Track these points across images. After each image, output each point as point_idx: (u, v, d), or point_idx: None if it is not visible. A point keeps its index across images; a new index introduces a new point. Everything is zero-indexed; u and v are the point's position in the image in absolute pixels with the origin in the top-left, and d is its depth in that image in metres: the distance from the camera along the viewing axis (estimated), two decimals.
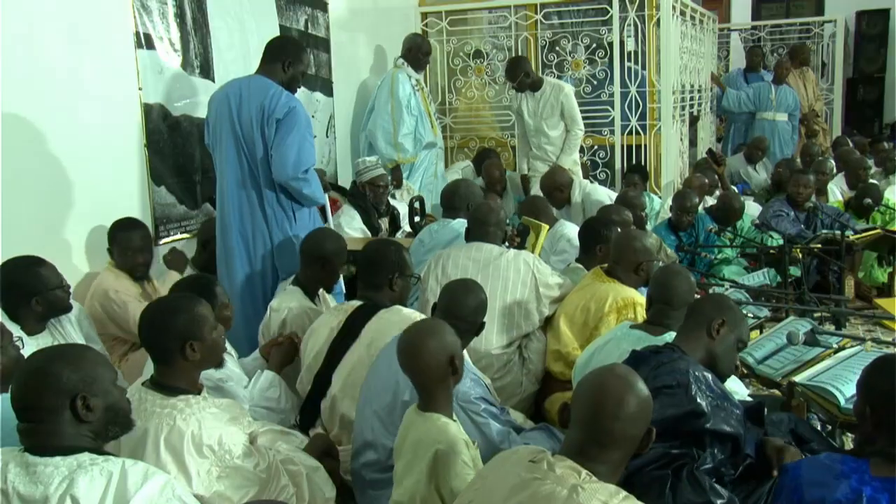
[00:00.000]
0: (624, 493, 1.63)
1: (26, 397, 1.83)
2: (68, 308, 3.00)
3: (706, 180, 5.95)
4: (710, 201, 5.73)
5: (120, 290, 3.40)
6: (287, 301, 3.34)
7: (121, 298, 3.37)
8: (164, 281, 3.63)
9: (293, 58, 3.65)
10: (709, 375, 2.27)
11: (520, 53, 6.46)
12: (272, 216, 3.62)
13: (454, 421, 2.17)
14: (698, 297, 2.84)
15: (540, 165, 5.90)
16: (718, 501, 2.02)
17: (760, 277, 4.51)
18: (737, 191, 6.45)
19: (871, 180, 6.36)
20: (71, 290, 3.04)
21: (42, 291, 2.84)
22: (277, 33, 4.84)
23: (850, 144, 7.58)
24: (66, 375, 1.82)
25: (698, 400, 2.17)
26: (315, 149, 3.70)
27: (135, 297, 3.41)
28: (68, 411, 1.81)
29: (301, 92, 4.82)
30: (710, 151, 6.99)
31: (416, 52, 5.81)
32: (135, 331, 3.26)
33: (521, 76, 5.73)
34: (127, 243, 3.47)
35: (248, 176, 3.59)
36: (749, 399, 2.83)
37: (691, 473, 2.10)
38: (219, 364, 2.49)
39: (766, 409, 2.47)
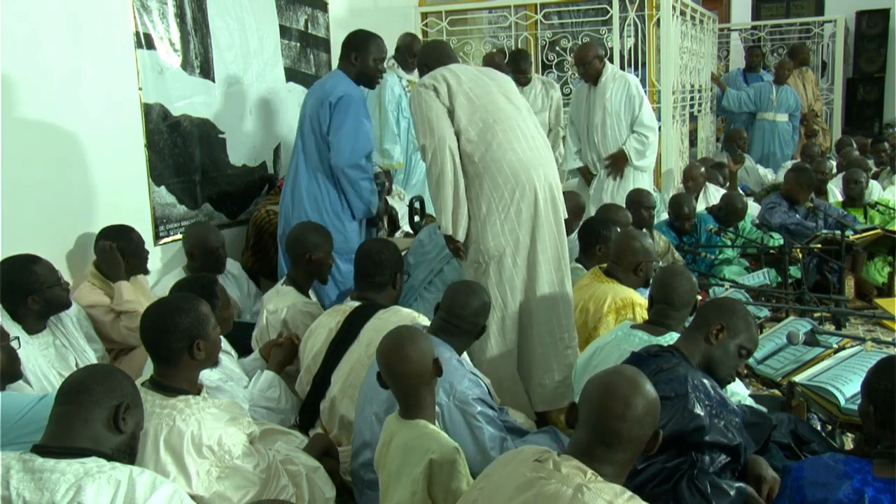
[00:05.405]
0: (629, 493, 1.63)
1: (82, 382, 1.91)
2: (68, 304, 2.99)
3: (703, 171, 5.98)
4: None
5: (95, 304, 3.28)
6: (283, 301, 3.36)
7: (98, 316, 3.26)
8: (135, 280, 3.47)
9: (358, 49, 3.79)
10: (707, 382, 2.25)
11: None
12: (326, 205, 3.77)
13: (436, 425, 2.18)
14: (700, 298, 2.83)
15: None
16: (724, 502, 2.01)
17: (760, 277, 4.50)
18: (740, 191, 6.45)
19: (873, 180, 6.36)
20: (70, 288, 3.03)
21: (38, 290, 2.83)
22: (277, 33, 4.84)
23: (854, 145, 7.57)
24: (124, 382, 1.96)
25: (696, 411, 2.14)
26: (371, 136, 3.84)
27: (107, 311, 3.29)
28: (108, 413, 1.88)
29: (301, 91, 4.82)
30: (730, 148, 6.91)
31: (403, 53, 5.77)
32: (119, 341, 3.28)
33: (525, 68, 5.73)
34: (138, 243, 3.43)
35: (313, 165, 3.76)
36: (750, 401, 2.82)
37: (691, 481, 2.08)
38: (215, 363, 2.49)
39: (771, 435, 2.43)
